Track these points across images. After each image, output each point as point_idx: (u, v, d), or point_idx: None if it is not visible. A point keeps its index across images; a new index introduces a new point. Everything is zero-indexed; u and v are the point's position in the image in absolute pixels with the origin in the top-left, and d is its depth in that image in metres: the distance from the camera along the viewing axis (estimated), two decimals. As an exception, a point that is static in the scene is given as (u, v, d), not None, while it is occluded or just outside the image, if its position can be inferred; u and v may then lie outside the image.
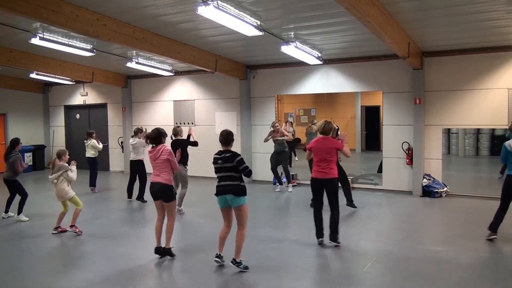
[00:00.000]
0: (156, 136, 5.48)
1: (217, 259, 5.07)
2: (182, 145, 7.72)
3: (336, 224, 5.83)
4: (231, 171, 4.89)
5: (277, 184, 10.38)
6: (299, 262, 5.44)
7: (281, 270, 5.11)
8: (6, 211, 7.80)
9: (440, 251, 5.66)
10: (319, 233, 5.96)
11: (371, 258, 5.43)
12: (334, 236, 5.82)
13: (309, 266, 5.33)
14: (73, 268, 5.43)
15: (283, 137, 9.96)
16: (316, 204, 5.99)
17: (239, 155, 4.95)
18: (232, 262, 4.92)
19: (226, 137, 5.06)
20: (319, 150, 5.77)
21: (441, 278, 4.77)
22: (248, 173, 4.91)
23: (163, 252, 5.42)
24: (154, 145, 5.49)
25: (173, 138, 7.93)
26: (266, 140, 10.23)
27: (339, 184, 6.36)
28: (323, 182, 5.80)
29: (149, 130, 9.36)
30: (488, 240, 5.98)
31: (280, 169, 10.33)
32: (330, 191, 5.83)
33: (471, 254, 5.53)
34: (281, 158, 10.07)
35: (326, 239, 5.92)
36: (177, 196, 6.98)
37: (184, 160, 7.71)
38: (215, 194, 5.00)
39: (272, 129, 10.11)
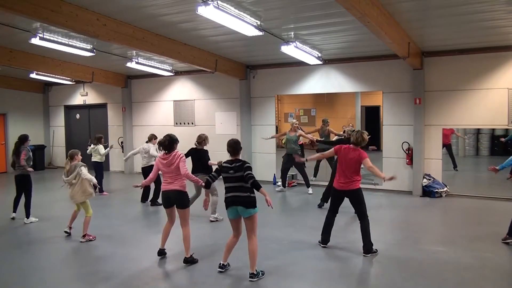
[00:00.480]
0: (169, 143, 5.36)
1: (221, 269, 5.01)
2: (202, 158, 7.40)
3: (365, 235, 5.60)
4: (242, 181, 4.75)
5: (279, 184, 10.37)
6: (299, 262, 5.44)
7: (280, 270, 5.11)
8: (15, 211, 7.76)
9: (440, 251, 5.66)
10: (324, 241, 5.91)
11: (371, 258, 5.43)
12: (365, 248, 5.57)
13: (309, 266, 5.32)
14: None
15: (296, 135, 9.68)
16: (329, 212, 5.92)
17: (247, 163, 4.82)
18: (251, 277, 4.76)
19: (235, 146, 4.91)
20: (345, 160, 5.59)
21: (441, 278, 4.77)
22: (254, 183, 4.68)
23: (186, 261, 5.33)
24: (166, 151, 5.37)
25: (196, 145, 7.55)
26: (273, 137, 10.04)
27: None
28: (343, 193, 5.70)
29: (151, 131, 9.43)
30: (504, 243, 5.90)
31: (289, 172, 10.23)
32: (353, 202, 5.71)
33: (471, 254, 5.53)
34: (292, 162, 9.69)
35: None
36: (209, 204, 6.99)
37: (206, 169, 7.35)
38: (226, 207, 4.88)
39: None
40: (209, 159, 7.47)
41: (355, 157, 5.54)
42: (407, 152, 9.66)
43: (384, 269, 5.14)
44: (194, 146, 7.59)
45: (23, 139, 7.64)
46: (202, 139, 7.57)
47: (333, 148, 5.87)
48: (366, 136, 5.68)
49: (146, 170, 8.93)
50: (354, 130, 6.93)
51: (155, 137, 9.10)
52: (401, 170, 9.80)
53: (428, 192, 9.25)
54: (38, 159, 14.99)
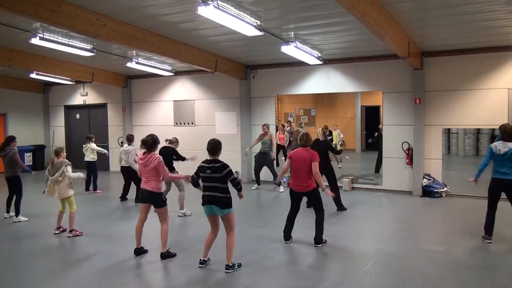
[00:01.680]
0: (152, 143, 5.51)
1: (201, 265, 5.11)
2: (171, 154, 7.77)
3: (319, 227, 5.89)
4: (218, 182, 4.88)
5: (257, 185, 10.58)
6: (297, 261, 5.46)
7: (279, 270, 5.11)
8: (8, 211, 7.80)
9: (440, 251, 5.66)
10: (286, 236, 6.06)
11: (371, 258, 5.43)
12: (316, 239, 5.89)
13: (308, 265, 5.33)
14: (70, 267, 5.42)
15: (270, 140, 10.14)
16: (291, 211, 6.08)
17: (228, 166, 4.91)
18: (226, 268, 4.93)
19: (214, 147, 5.00)
20: (298, 161, 5.85)
21: (441, 278, 4.77)
22: (237, 184, 4.93)
23: (162, 256, 5.47)
24: (146, 151, 5.51)
25: (166, 144, 7.93)
26: (251, 147, 10.46)
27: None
28: (299, 195, 5.93)
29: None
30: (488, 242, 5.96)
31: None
32: (311, 200, 5.96)
33: (471, 254, 5.53)
34: (265, 160, 10.19)
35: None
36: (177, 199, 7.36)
37: (170, 168, 7.65)
38: (202, 204, 5.02)
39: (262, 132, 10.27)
40: (176, 157, 7.86)
41: (308, 157, 5.78)
42: (407, 152, 9.66)
43: (384, 269, 5.14)
44: (165, 145, 7.91)
45: (9, 140, 7.67)
46: (173, 142, 8.02)
47: (287, 158, 6.13)
48: (310, 137, 6.03)
49: (124, 170, 9.17)
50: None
51: (133, 137, 9.37)
52: (401, 170, 9.80)
53: (428, 192, 9.25)
54: (38, 159, 14.99)
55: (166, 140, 8.01)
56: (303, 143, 5.93)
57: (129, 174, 9.16)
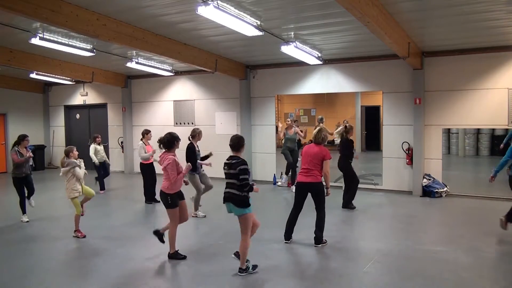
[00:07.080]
0: (167, 141, 5.42)
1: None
2: (188, 153, 7.39)
3: (318, 227, 5.87)
4: (234, 179, 4.79)
5: (279, 184, 10.56)
6: (298, 261, 5.45)
7: (280, 270, 5.10)
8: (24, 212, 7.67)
9: (440, 251, 5.66)
10: (287, 236, 6.05)
11: (371, 258, 5.43)
12: (316, 238, 5.87)
13: (309, 265, 5.33)
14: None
15: (296, 134, 10.19)
16: (293, 210, 6.07)
17: (244, 164, 4.76)
18: (239, 272, 4.86)
19: (236, 142, 4.90)
20: (307, 155, 5.89)
21: (441, 278, 4.77)
22: (244, 186, 4.71)
23: (169, 256, 5.44)
24: (165, 149, 5.44)
25: (190, 139, 7.54)
26: (281, 138, 10.31)
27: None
28: (305, 188, 5.90)
29: (151, 131, 9.49)
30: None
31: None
32: (314, 196, 5.91)
33: (471, 254, 5.53)
34: (293, 156, 10.22)
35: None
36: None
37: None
38: (223, 202, 4.97)
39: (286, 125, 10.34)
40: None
41: (316, 153, 5.81)
42: (407, 152, 9.67)
43: (384, 269, 5.13)
44: (190, 140, 7.58)
45: (18, 139, 7.57)
46: (196, 133, 7.61)
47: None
48: (324, 133, 6.01)
49: (141, 166, 9.05)
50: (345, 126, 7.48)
51: (147, 132, 9.23)
52: (401, 170, 9.80)
53: (428, 192, 9.25)
54: (38, 159, 14.99)
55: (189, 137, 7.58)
56: (318, 140, 5.92)
57: (144, 171, 9.02)
